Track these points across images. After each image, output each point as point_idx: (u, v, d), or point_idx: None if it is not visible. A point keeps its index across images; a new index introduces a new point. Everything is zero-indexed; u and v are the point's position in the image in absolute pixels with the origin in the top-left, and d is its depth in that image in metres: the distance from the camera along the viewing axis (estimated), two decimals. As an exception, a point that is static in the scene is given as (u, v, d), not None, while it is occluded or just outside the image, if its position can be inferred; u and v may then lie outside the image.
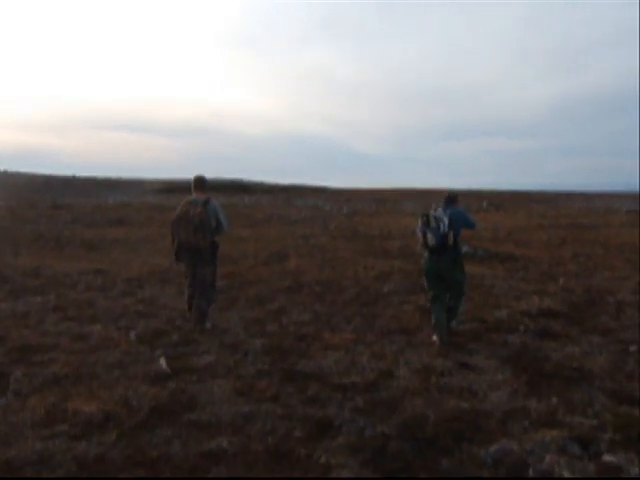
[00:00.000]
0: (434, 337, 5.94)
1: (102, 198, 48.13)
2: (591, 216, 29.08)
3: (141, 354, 5.32)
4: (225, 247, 14.08)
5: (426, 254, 6.04)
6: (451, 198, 6.28)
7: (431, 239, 5.79)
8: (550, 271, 11.11)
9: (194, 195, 6.39)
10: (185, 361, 5.13)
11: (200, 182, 6.49)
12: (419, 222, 5.91)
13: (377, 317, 6.97)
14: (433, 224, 5.77)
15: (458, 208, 6.24)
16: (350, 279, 9.77)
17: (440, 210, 5.97)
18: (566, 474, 3.23)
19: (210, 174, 7.29)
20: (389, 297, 8.15)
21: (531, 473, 3.27)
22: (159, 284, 9.01)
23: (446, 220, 5.78)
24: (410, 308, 7.45)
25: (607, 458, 3.40)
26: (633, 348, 5.61)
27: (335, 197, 54.25)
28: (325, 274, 10.30)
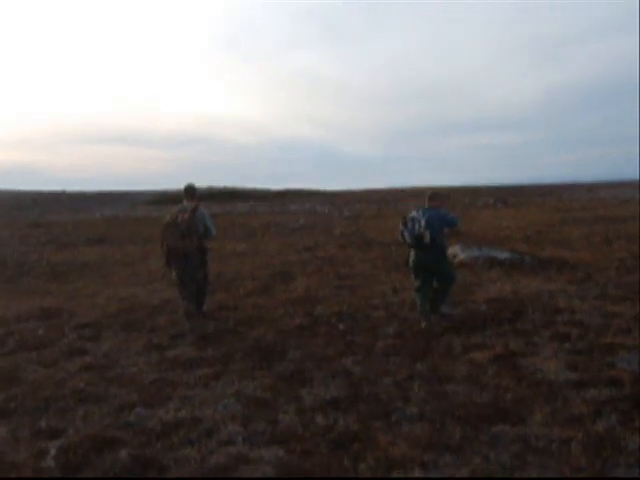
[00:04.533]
0: (423, 324, 6.24)
1: (90, 213, 45.56)
2: (610, 207, 26.80)
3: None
4: (217, 266, 11.74)
5: (412, 251, 6.46)
6: (431, 197, 6.52)
7: (407, 238, 6.27)
8: (622, 281, 8.78)
9: (185, 203, 6.74)
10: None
11: (190, 190, 6.88)
12: (400, 223, 6.37)
13: (445, 382, 4.53)
14: (410, 225, 6.22)
15: (439, 210, 6.42)
16: (380, 308, 7.36)
17: (420, 212, 6.31)
18: None
19: (202, 183, 6.73)
20: (445, 339, 5.74)
21: None
22: (123, 332, 6.51)
23: (423, 222, 6.12)
24: (485, 358, 5.03)
25: None
26: None
27: (331, 200, 51.79)
28: (345, 301, 7.87)
